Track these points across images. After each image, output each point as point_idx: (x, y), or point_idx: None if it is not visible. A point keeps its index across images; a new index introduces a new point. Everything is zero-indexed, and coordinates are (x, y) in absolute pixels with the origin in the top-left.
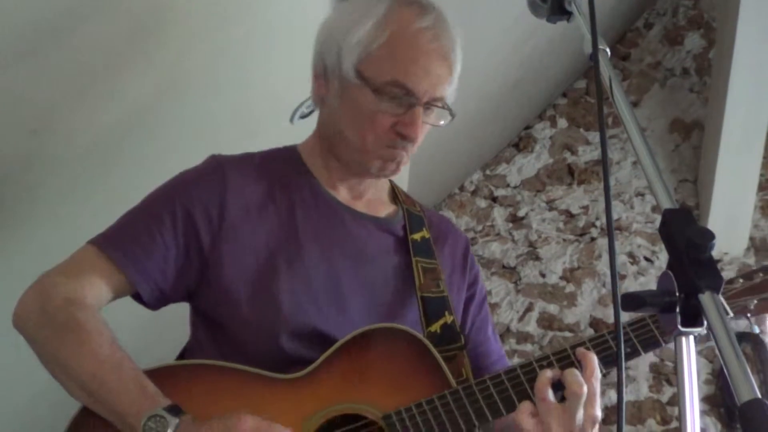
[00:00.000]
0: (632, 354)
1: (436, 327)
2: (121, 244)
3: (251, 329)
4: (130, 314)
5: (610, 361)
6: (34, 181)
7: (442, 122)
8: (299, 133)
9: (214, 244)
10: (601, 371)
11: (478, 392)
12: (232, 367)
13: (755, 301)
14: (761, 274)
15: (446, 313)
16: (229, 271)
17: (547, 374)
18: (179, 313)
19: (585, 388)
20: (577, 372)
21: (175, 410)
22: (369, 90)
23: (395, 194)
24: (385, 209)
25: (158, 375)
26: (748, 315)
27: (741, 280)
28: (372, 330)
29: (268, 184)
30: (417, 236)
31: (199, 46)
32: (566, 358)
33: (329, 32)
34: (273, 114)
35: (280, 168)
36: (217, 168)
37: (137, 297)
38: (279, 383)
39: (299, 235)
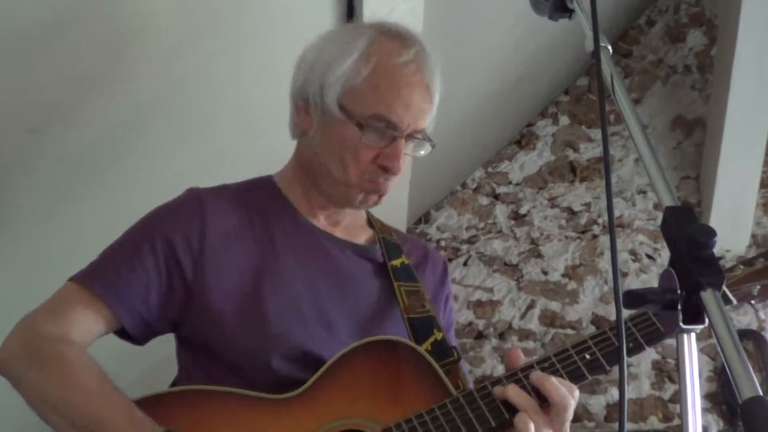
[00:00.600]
0: (636, 349)
1: (426, 345)
2: (103, 277)
3: (242, 353)
4: (115, 353)
5: (613, 358)
6: (31, 179)
7: (422, 152)
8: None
9: (196, 271)
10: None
11: (480, 398)
12: (226, 391)
13: (758, 287)
14: (762, 260)
15: (435, 330)
16: (214, 297)
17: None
18: (166, 348)
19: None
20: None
21: None
22: (352, 124)
23: (371, 222)
24: (363, 236)
25: (151, 404)
26: (752, 302)
27: (742, 267)
28: (366, 344)
29: (246, 212)
30: (396, 262)
31: (198, 46)
32: (568, 359)
33: (311, 65)
34: (270, 114)
35: (256, 196)
36: (194, 200)
37: (123, 333)
38: (275, 404)
39: (281, 260)
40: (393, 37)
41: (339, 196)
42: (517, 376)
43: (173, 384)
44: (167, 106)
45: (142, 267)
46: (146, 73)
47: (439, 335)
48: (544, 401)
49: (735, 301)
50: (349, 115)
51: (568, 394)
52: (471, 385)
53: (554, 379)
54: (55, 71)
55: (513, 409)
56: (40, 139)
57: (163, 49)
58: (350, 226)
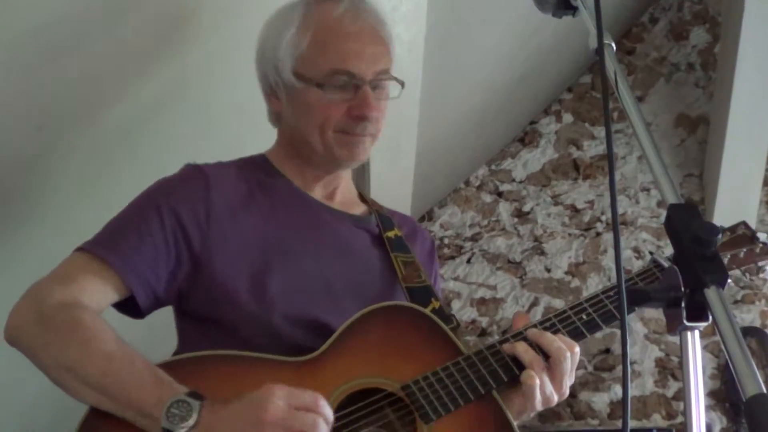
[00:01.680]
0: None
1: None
2: (113, 246)
3: (248, 321)
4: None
5: (608, 318)
6: (39, 176)
7: (394, 94)
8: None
9: (203, 241)
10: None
11: (490, 356)
12: (241, 355)
13: (743, 251)
14: (743, 228)
15: (432, 299)
16: (220, 267)
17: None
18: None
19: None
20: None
21: (195, 395)
22: (312, 86)
23: (362, 197)
24: (357, 208)
25: (170, 368)
26: (741, 267)
27: (728, 233)
28: (375, 310)
29: (246, 186)
30: (390, 234)
31: (203, 45)
32: (567, 319)
33: (262, 52)
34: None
35: (254, 172)
36: (196, 171)
37: (124, 305)
38: (293, 366)
39: (284, 232)
40: None
41: (326, 162)
42: (523, 334)
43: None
44: (173, 105)
45: (150, 237)
46: (153, 72)
47: (437, 304)
48: (546, 358)
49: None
50: (307, 80)
51: (564, 347)
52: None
53: (549, 334)
54: (62, 70)
55: (521, 366)
56: (47, 137)
57: (169, 49)
58: (345, 199)
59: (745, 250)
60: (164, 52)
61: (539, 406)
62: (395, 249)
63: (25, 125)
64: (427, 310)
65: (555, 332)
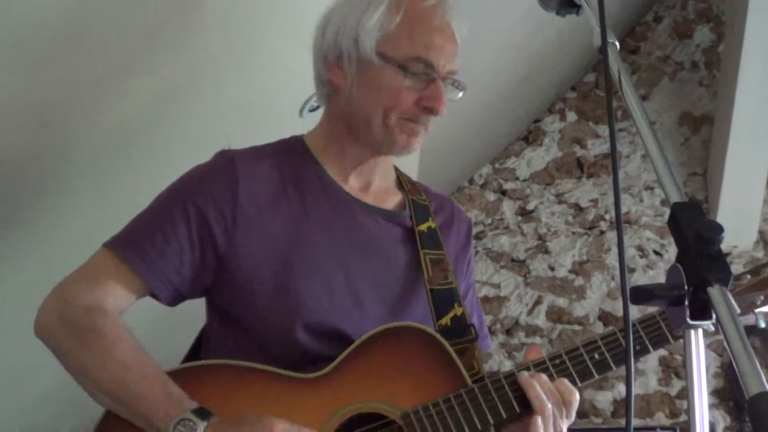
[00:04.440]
0: (642, 351)
1: (446, 320)
2: (137, 247)
3: (267, 324)
4: (145, 308)
5: (620, 358)
6: (43, 172)
7: (457, 96)
8: (306, 126)
9: (228, 241)
10: (577, 385)
11: (494, 391)
12: (253, 367)
13: (762, 297)
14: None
15: (455, 305)
16: (245, 268)
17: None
18: (194, 305)
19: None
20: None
21: (202, 413)
22: (394, 67)
23: (401, 183)
24: (392, 200)
25: (182, 376)
26: (755, 311)
27: (749, 277)
28: (389, 329)
29: (278, 178)
30: (423, 227)
31: (208, 41)
32: (578, 357)
33: (341, 20)
34: (281, 107)
35: (289, 160)
36: (227, 164)
37: (154, 297)
38: (299, 383)
39: (312, 229)
40: None
41: (378, 143)
42: (531, 371)
43: (200, 335)
44: (178, 101)
45: (174, 237)
46: (157, 69)
47: (459, 310)
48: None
49: (738, 311)
50: (389, 60)
51: (545, 399)
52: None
53: (539, 382)
54: (68, 68)
55: (524, 403)
56: (52, 133)
57: (174, 45)
58: (380, 190)
59: (763, 296)
60: (170, 50)
61: None
62: (426, 245)
63: (30, 122)
64: (439, 336)
65: (562, 372)
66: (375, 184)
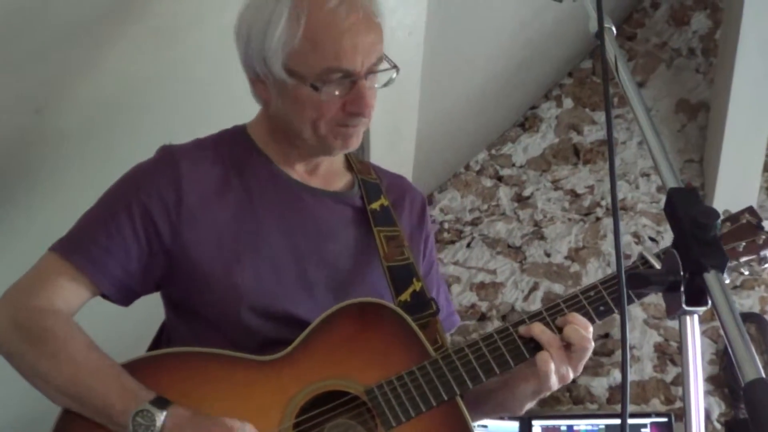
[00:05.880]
0: (606, 312)
1: (405, 296)
2: (81, 247)
3: (218, 312)
4: (104, 308)
5: (601, 312)
6: (38, 159)
7: (389, 79)
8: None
9: (174, 234)
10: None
11: (457, 360)
12: (211, 353)
13: (743, 244)
14: (747, 215)
15: (414, 280)
16: (192, 260)
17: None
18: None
19: (591, 342)
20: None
21: (160, 402)
22: (306, 86)
23: (349, 162)
24: (341, 181)
25: (138, 367)
26: (739, 259)
27: (728, 224)
28: (347, 306)
29: (222, 170)
30: (375, 205)
31: (200, 24)
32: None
33: (246, 39)
34: None
35: (232, 151)
36: (170, 159)
37: (105, 296)
38: (259, 366)
39: (259, 218)
40: None
41: (316, 150)
42: (542, 315)
43: (161, 327)
44: (170, 84)
45: (119, 234)
46: (148, 51)
47: (418, 285)
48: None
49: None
50: (300, 78)
51: (588, 336)
52: (448, 337)
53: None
54: (62, 54)
55: (488, 371)
56: (46, 120)
57: (164, 26)
58: (328, 173)
59: (745, 242)
60: (163, 30)
61: (555, 386)
62: (379, 222)
63: (24, 109)
64: (399, 309)
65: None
66: (323, 168)
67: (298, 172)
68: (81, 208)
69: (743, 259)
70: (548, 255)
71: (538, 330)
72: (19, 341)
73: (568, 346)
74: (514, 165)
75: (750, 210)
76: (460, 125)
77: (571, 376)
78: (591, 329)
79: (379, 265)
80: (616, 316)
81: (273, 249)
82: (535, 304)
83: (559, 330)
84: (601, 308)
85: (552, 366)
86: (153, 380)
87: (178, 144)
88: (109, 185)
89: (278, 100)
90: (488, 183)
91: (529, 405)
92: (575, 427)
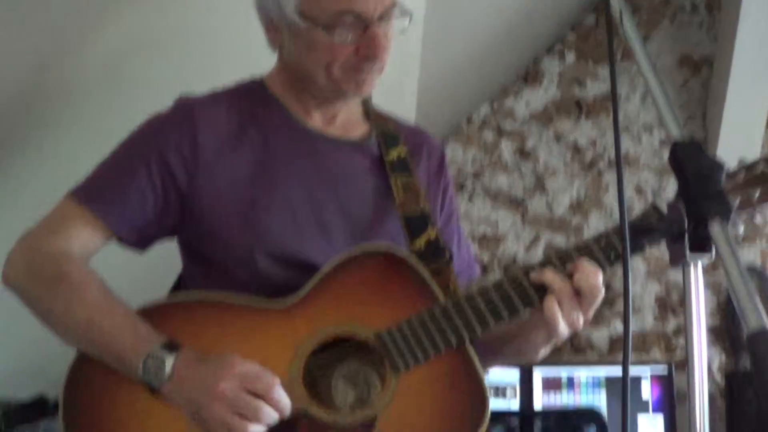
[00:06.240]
0: (617, 258)
1: (420, 243)
2: (98, 193)
3: (234, 258)
4: (120, 253)
5: (612, 260)
6: (39, 115)
7: (402, 26)
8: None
9: (190, 182)
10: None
11: (467, 306)
12: (223, 300)
13: (758, 193)
14: (763, 164)
15: (429, 228)
16: (208, 207)
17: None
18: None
19: (601, 290)
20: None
21: (170, 346)
22: (319, 29)
23: (367, 113)
24: (359, 129)
25: (151, 313)
26: (753, 207)
27: (744, 171)
28: (360, 252)
29: (238, 120)
30: (393, 154)
31: None
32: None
33: None
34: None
35: (249, 101)
36: (186, 109)
37: (121, 241)
38: (271, 312)
39: (276, 166)
40: None
41: (330, 95)
42: (552, 261)
43: (179, 278)
44: (173, 33)
45: (136, 181)
46: (152, 8)
47: (432, 233)
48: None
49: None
50: (312, 21)
51: (598, 284)
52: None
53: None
54: (66, 3)
55: (497, 317)
56: (48, 74)
57: None
58: (346, 122)
59: (759, 192)
60: None
61: (565, 332)
62: (395, 171)
63: (24, 65)
64: (411, 256)
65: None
66: (340, 117)
67: (315, 121)
68: (89, 159)
69: (757, 207)
70: (550, 208)
71: (549, 276)
72: (35, 285)
73: (578, 293)
74: (516, 119)
75: (766, 159)
76: (462, 78)
77: (582, 322)
78: (601, 276)
79: (394, 213)
80: (617, 268)
81: (290, 196)
82: (537, 257)
83: (570, 277)
84: (612, 256)
85: (558, 311)
86: (165, 325)
87: (194, 96)
88: (119, 140)
89: (292, 45)
90: (490, 136)
91: (544, 352)
92: (576, 377)
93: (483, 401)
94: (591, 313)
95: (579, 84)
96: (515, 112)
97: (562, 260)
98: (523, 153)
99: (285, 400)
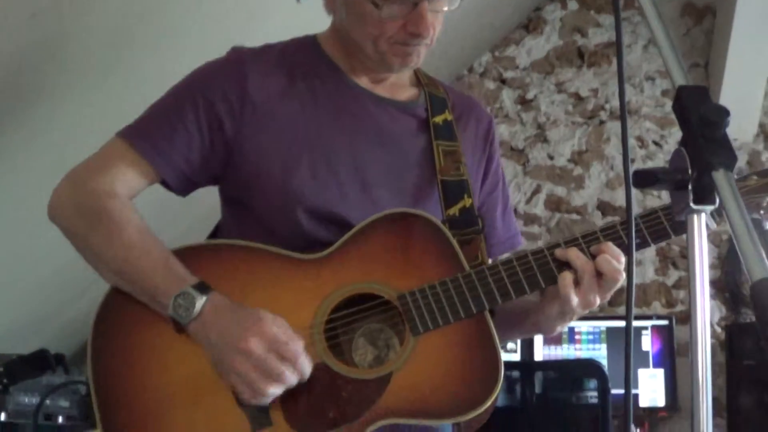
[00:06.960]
0: (642, 245)
1: (454, 210)
2: (147, 135)
3: (273, 209)
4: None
5: (637, 244)
6: (34, 63)
7: (456, 3)
8: (306, 15)
9: (237, 130)
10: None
11: (490, 276)
12: (257, 247)
13: (766, 201)
14: None
15: (465, 196)
16: (253, 156)
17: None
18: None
19: (622, 274)
20: (610, 258)
21: (202, 287)
22: (369, 2)
23: (418, 77)
24: (407, 92)
25: (186, 255)
26: (761, 212)
27: (755, 177)
28: (392, 214)
29: (288, 74)
30: (439, 119)
31: None
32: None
33: None
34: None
35: (300, 57)
36: (237, 59)
37: (165, 184)
38: (301, 263)
39: (323, 122)
40: None
41: (377, 66)
42: (578, 241)
43: (216, 227)
44: None
45: (183, 125)
46: None
47: (468, 201)
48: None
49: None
50: None
51: (620, 268)
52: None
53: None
54: None
55: (519, 290)
56: (41, 24)
57: None
58: (395, 84)
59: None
60: None
61: (578, 310)
62: (439, 136)
63: (19, 13)
64: (445, 220)
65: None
66: (390, 79)
67: (364, 80)
68: (94, 109)
69: (763, 212)
70: (551, 158)
71: (574, 254)
72: (78, 219)
73: (599, 275)
74: (517, 67)
75: None
76: (462, 27)
77: (598, 302)
78: (623, 260)
79: (434, 178)
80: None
81: (334, 153)
82: (538, 207)
83: (593, 257)
84: (637, 240)
85: (572, 288)
86: (198, 267)
87: (247, 47)
88: (120, 85)
89: (344, 13)
90: (491, 85)
91: (560, 327)
92: (577, 329)
93: (496, 369)
94: (609, 296)
95: (581, 33)
96: (517, 61)
97: (588, 240)
98: (524, 102)
99: (308, 368)
